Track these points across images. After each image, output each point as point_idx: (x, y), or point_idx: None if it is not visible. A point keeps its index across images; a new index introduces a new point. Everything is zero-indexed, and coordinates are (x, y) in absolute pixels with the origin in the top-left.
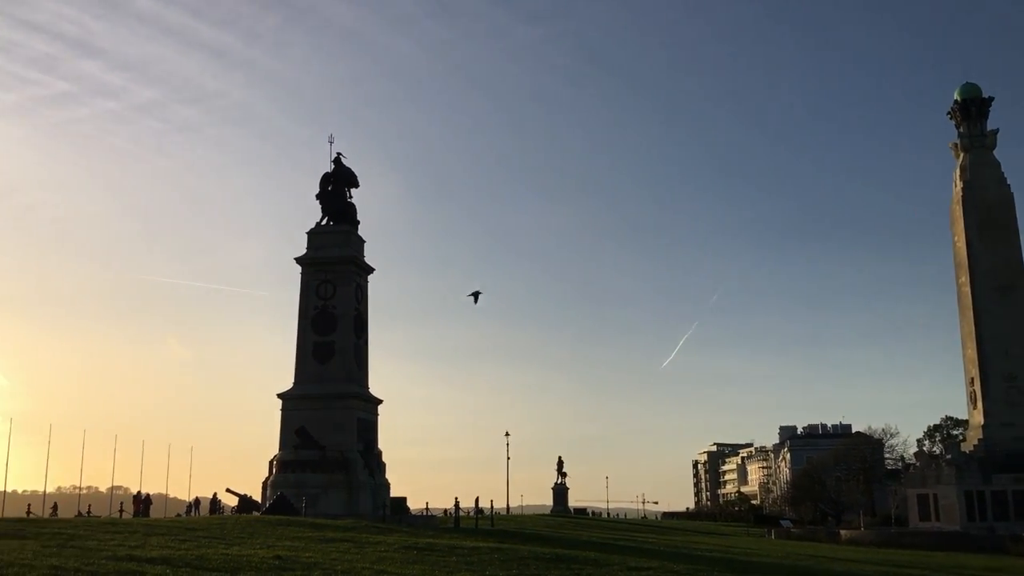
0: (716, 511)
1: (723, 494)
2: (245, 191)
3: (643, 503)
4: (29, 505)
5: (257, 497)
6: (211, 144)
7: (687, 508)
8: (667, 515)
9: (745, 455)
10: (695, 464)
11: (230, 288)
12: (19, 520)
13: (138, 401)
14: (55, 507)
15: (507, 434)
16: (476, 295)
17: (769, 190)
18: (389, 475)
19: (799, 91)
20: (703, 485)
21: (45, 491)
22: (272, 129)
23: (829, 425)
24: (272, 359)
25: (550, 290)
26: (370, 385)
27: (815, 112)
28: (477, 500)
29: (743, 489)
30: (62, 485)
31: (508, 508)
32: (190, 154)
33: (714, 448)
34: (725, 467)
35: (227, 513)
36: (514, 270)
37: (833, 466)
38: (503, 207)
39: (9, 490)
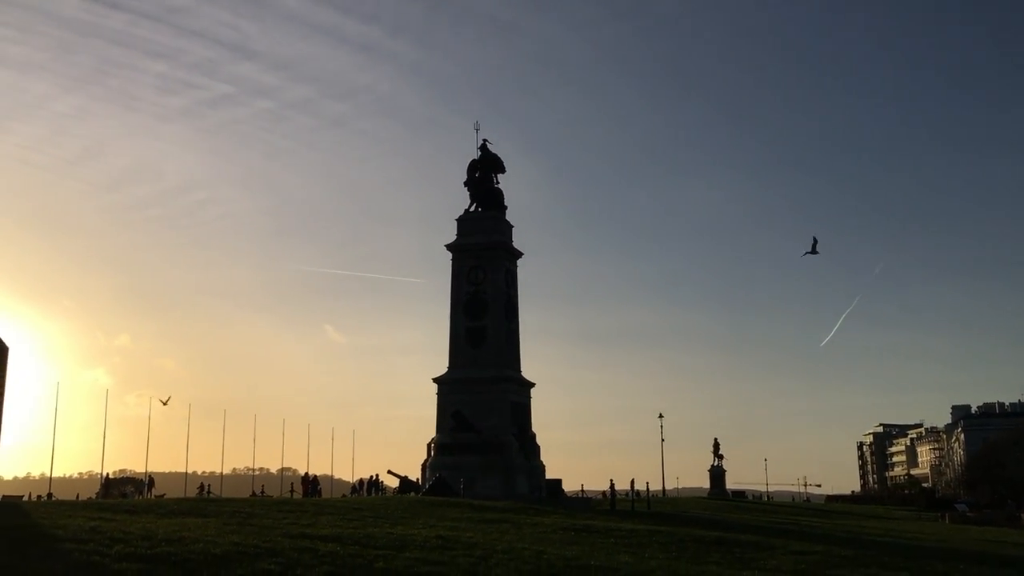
0: (884, 494)
1: (891, 477)
2: (395, 181)
3: (805, 486)
4: (209, 485)
5: (416, 478)
6: (361, 137)
7: (852, 491)
8: (831, 498)
9: (914, 436)
10: (860, 445)
11: (383, 276)
12: (200, 499)
13: (302, 387)
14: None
15: (660, 416)
16: (814, 245)
17: (941, 159)
18: (543, 458)
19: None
20: (869, 467)
21: (222, 472)
22: (419, 119)
23: (1007, 403)
24: (426, 345)
25: (703, 268)
26: (522, 369)
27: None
28: (632, 482)
29: (913, 472)
30: (237, 467)
31: (664, 491)
32: (342, 147)
33: (880, 429)
34: (893, 448)
35: (389, 494)
36: (664, 249)
37: (1013, 446)
38: (651, 186)
39: (190, 471)
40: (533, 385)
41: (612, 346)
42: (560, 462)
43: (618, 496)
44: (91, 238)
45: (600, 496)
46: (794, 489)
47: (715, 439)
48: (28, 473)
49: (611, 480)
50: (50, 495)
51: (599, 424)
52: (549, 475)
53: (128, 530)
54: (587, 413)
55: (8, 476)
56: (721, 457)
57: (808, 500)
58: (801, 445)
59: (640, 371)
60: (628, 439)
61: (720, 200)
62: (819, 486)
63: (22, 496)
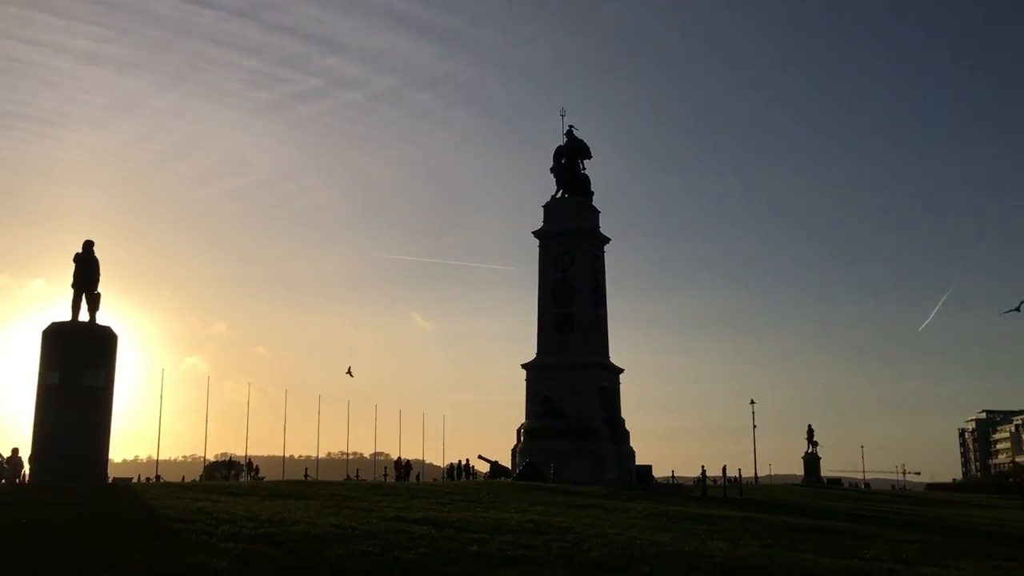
0: (987, 482)
1: (994, 464)
2: (481, 169)
3: (903, 474)
4: (306, 469)
5: (506, 463)
6: (446, 126)
7: (953, 479)
8: (931, 487)
9: (1020, 422)
10: (961, 432)
11: (470, 264)
12: (299, 482)
13: (391, 373)
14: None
15: (752, 402)
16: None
17: None
18: (633, 443)
19: None
20: (971, 455)
21: (317, 456)
22: (503, 106)
23: None
24: (514, 331)
25: (794, 252)
26: (611, 354)
27: None
28: (724, 469)
29: (1018, 459)
30: (331, 451)
31: (756, 478)
32: (426, 137)
33: (983, 415)
34: (996, 435)
35: (480, 478)
36: (754, 233)
37: None
38: (739, 169)
39: (287, 455)
40: (622, 371)
41: (702, 331)
42: (650, 448)
43: (709, 483)
44: (186, 230)
45: (691, 483)
46: (892, 477)
47: (809, 425)
48: (136, 456)
49: (702, 466)
50: (158, 477)
51: (689, 410)
52: (639, 461)
53: (233, 511)
54: (677, 399)
55: (118, 459)
56: (815, 444)
57: (905, 488)
58: (899, 432)
59: (731, 356)
60: (719, 425)
61: (811, 182)
62: (918, 474)
63: (131, 478)
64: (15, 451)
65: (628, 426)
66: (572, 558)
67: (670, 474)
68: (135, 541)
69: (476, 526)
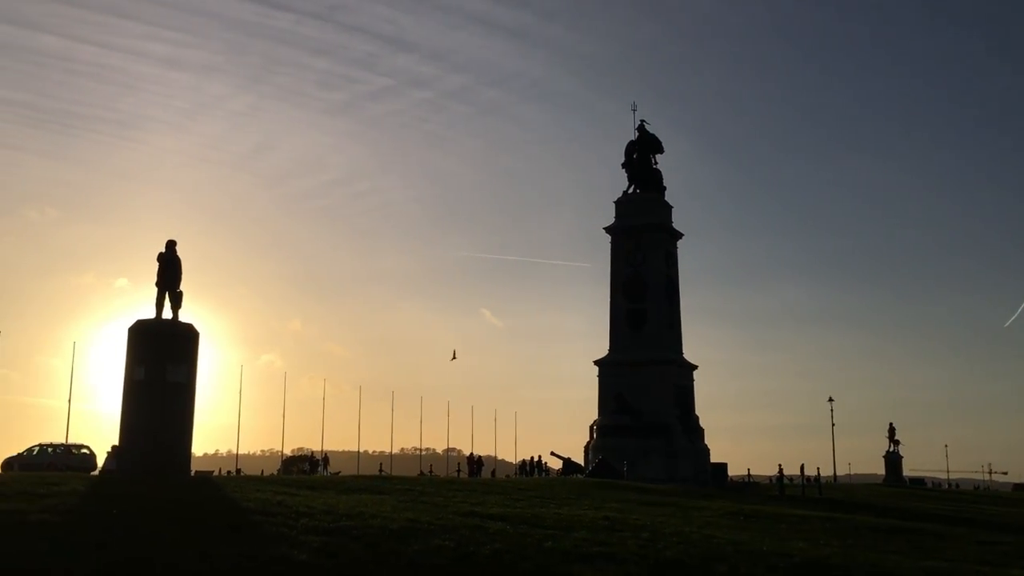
0: None
1: None
2: (551, 165)
3: (989, 473)
4: (381, 464)
5: (579, 460)
6: (517, 122)
7: None
8: (1017, 487)
9: None
10: None
11: (540, 260)
12: (374, 477)
13: (462, 370)
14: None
15: (830, 399)
16: None
17: None
18: (707, 441)
19: None
20: None
21: (391, 451)
22: (573, 102)
23: None
24: (585, 327)
25: (873, 246)
26: (685, 351)
27: None
28: (802, 468)
29: None
30: (404, 446)
31: (835, 477)
32: (496, 134)
33: None
34: None
35: (552, 475)
36: (832, 227)
37: None
38: (816, 162)
39: (361, 450)
40: (696, 367)
41: (778, 327)
42: (725, 446)
43: (786, 482)
44: (262, 229)
45: (767, 481)
46: (977, 477)
47: (890, 424)
48: (216, 450)
49: (779, 465)
50: (238, 471)
51: (766, 407)
52: (713, 459)
53: (311, 505)
54: (753, 396)
55: (199, 453)
56: (897, 443)
57: (992, 489)
58: (985, 430)
59: (808, 353)
60: (796, 423)
61: (892, 176)
62: (1005, 473)
63: (212, 472)
64: (114, 446)
65: (702, 423)
66: (648, 556)
67: (746, 473)
68: (220, 532)
69: (550, 522)
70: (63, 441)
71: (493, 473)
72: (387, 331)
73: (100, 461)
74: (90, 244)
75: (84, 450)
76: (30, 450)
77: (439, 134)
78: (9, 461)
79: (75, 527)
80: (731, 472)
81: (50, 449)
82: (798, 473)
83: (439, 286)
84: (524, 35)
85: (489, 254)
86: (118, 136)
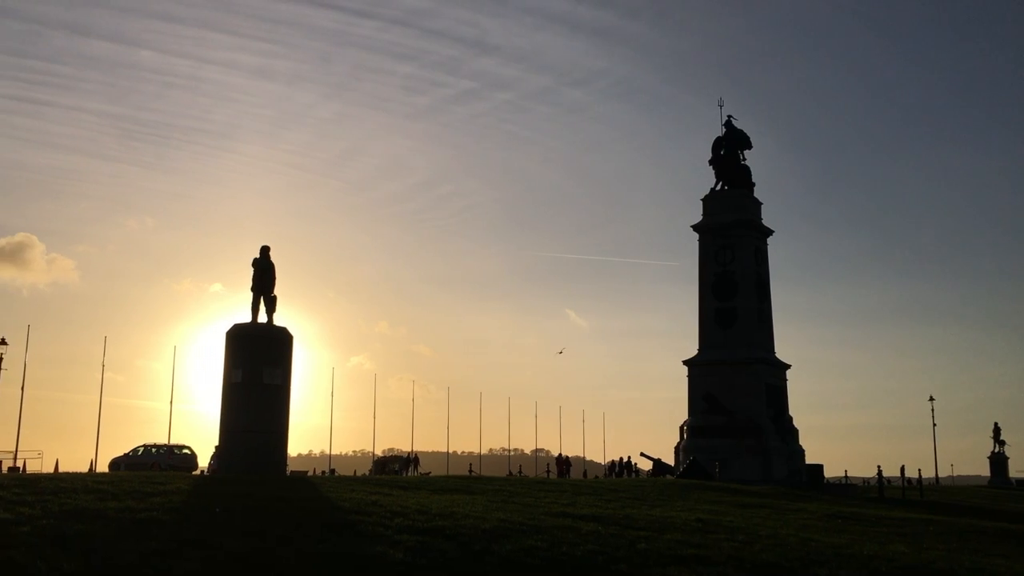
0: None
1: None
2: (636, 164)
3: None
4: (470, 465)
5: (669, 461)
6: (600, 122)
7: None
8: None
9: None
10: None
11: (625, 260)
12: (464, 477)
13: (549, 370)
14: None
15: (931, 398)
16: None
17: None
18: (802, 442)
19: None
20: None
21: (480, 452)
22: (658, 100)
23: None
24: (672, 327)
25: (972, 240)
26: (776, 349)
27: None
28: (902, 469)
29: None
30: (493, 447)
31: (937, 478)
32: (580, 134)
33: None
34: None
35: (642, 476)
36: (926, 221)
37: None
38: (910, 155)
39: (450, 451)
40: (788, 367)
41: (874, 324)
42: (820, 447)
43: (886, 484)
44: (348, 233)
45: (864, 483)
46: None
47: (995, 423)
48: (310, 450)
49: (878, 466)
50: (332, 471)
51: (862, 407)
52: (809, 460)
53: (405, 504)
54: (849, 395)
55: (292, 453)
56: (1003, 443)
57: None
58: None
59: (906, 350)
60: (895, 423)
61: (994, 166)
62: None
63: (306, 472)
64: (217, 446)
65: (796, 424)
66: (743, 558)
67: (842, 474)
68: (318, 531)
69: (642, 523)
70: (165, 442)
71: (584, 474)
72: (473, 332)
73: (201, 461)
74: (186, 251)
75: (185, 450)
76: (135, 450)
77: (522, 135)
78: (116, 461)
79: (180, 525)
80: (827, 474)
81: (154, 449)
82: (898, 475)
83: (523, 287)
84: (606, 33)
85: (573, 254)
86: (212, 146)
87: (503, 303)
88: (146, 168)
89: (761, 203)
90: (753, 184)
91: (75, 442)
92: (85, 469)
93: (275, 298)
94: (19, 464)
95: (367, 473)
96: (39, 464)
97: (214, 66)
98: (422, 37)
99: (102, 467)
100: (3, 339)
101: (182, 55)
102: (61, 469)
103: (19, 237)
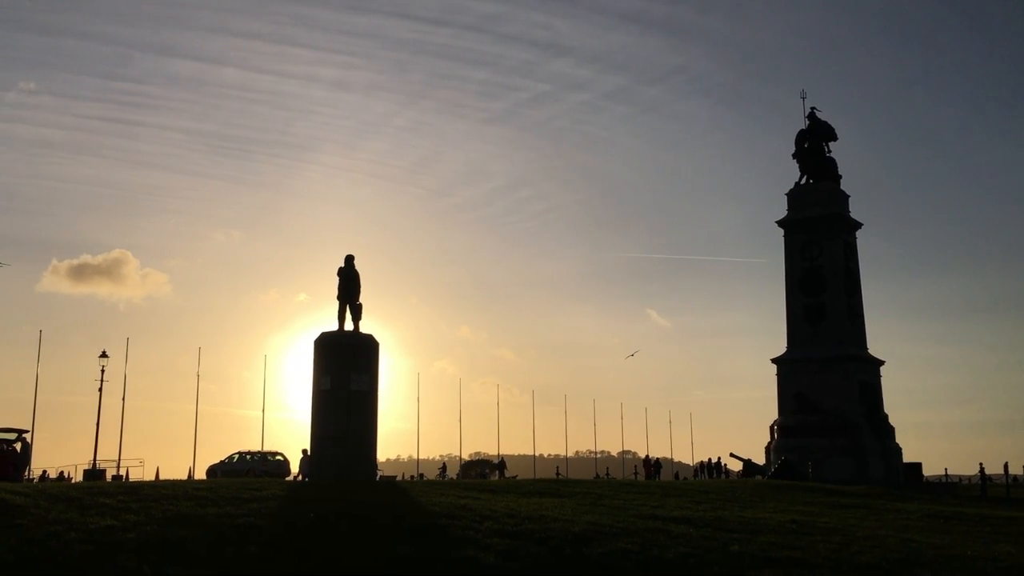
0: None
1: None
2: (715, 160)
3: None
4: (557, 467)
5: (759, 461)
6: (678, 119)
7: None
8: None
9: None
10: None
11: (708, 257)
12: (552, 481)
13: (633, 371)
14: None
15: None
16: None
17: None
18: (898, 440)
19: None
20: None
21: (566, 455)
22: (736, 95)
23: None
24: (758, 325)
25: None
26: (869, 345)
27: None
28: (1006, 466)
29: None
30: (579, 449)
31: None
32: (658, 132)
33: None
34: None
35: (732, 477)
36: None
37: None
38: (1006, 142)
39: (536, 454)
40: (882, 363)
41: (972, 317)
42: (917, 444)
43: (989, 482)
44: (428, 239)
45: (965, 481)
46: None
47: None
48: (398, 455)
49: (980, 464)
50: (421, 475)
51: (961, 403)
52: (906, 458)
53: (494, 508)
54: (947, 391)
55: (382, 458)
56: None
57: None
58: None
59: (1010, 343)
60: (997, 419)
61: None
62: None
63: (395, 476)
64: (305, 451)
65: (892, 421)
66: (841, 560)
67: (942, 472)
68: (409, 535)
69: (734, 525)
70: (259, 449)
71: (676, 475)
72: (554, 335)
73: (293, 467)
74: (272, 262)
75: (278, 457)
76: (230, 458)
77: (599, 136)
78: (212, 468)
79: (277, 530)
80: (926, 472)
81: (248, 456)
82: (1001, 472)
83: (604, 288)
84: (681, 30)
85: (654, 254)
86: (294, 158)
87: (584, 305)
88: (231, 182)
89: (848, 196)
90: (840, 177)
91: (174, 450)
92: (184, 476)
93: (360, 306)
94: (122, 472)
95: (454, 477)
96: (141, 472)
97: (294, 80)
98: (496, 42)
99: (200, 474)
100: (104, 352)
101: (264, 71)
102: (161, 476)
103: (115, 253)
